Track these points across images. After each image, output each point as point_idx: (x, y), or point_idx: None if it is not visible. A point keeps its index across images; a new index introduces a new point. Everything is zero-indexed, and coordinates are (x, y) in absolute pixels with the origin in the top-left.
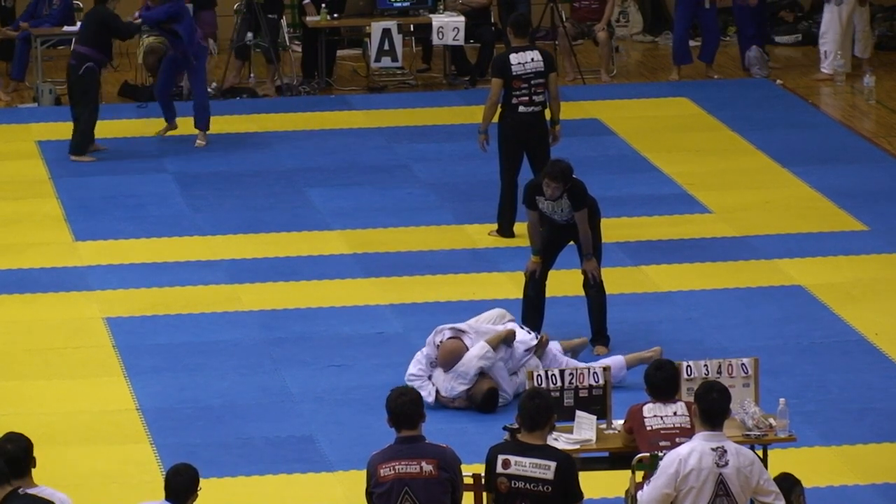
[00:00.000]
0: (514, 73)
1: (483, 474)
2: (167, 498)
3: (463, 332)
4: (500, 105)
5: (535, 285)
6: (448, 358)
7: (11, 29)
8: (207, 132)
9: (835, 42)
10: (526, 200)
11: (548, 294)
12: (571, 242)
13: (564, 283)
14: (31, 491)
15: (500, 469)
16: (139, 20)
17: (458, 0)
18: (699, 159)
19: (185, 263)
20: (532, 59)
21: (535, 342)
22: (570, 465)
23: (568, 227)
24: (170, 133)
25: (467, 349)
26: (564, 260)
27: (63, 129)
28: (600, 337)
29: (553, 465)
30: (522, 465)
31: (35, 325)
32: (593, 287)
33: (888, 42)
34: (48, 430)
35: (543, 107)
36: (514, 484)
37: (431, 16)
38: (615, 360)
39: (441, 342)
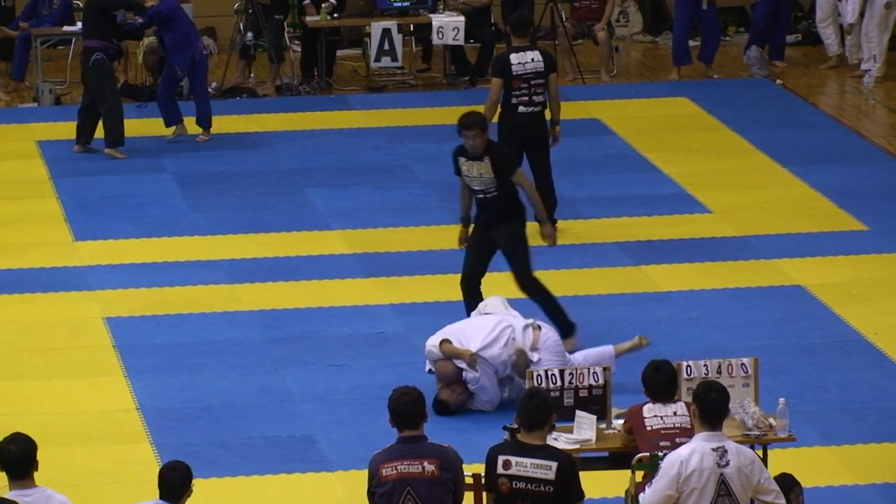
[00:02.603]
0: (514, 73)
1: (483, 474)
2: (161, 496)
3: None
4: (499, 105)
5: (472, 294)
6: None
7: (10, 28)
8: (210, 130)
9: (883, 45)
10: (453, 167)
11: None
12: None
13: (565, 283)
14: (28, 492)
15: (500, 470)
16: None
17: (458, 0)
18: (699, 159)
19: (185, 263)
20: (532, 60)
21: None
22: (571, 465)
23: (492, 220)
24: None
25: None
26: (556, 260)
27: (63, 129)
28: (567, 329)
29: (554, 465)
30: (523, 466)
31: (35, 325)
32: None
33: (888, 42)
34: (48, 430)
35: (543, 107)
36: (516, 484)
37: (431, 16)
38: (604, 351)
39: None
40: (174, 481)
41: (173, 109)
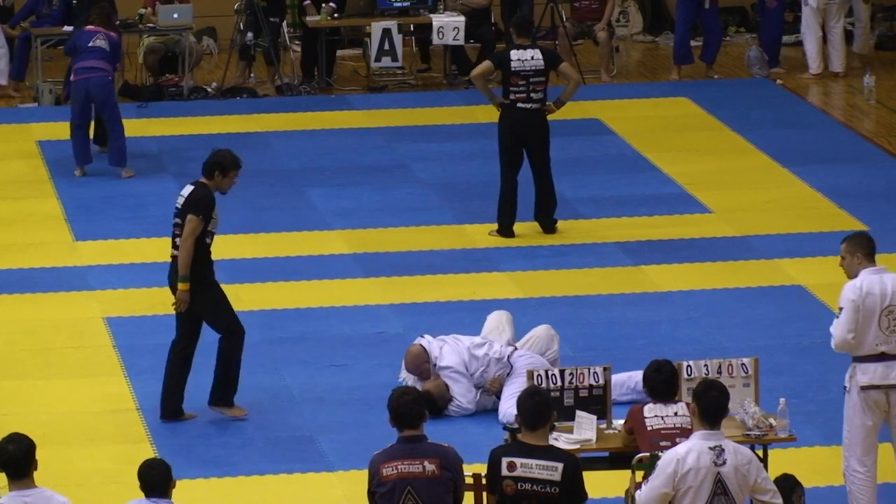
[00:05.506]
0: (513, 70)
1: (484, 474)
2: (147, 495)
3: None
4: (499, 102)
5: (182, 357)
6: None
7: (10, 26)
8: (124, 167)
9: (814, 43)
10: (207, 214)
11: (528, 295)
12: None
13: (566, 283)
14: (28, 492)
15: (505, 472)
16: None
17: (458, 0)
18: (699, 159)
19: None
20: (532, 57)
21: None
22: (576, 465)
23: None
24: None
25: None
26: (556, 260)
27: (63, 129)
28: (169, 411)
29: (560, 466)
30: (529, 467)
31: (35, 325)
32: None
33: (888, 42)
34: (48, 430)
35: (542, 104)
36: (521, 486)
37: (431, 16)
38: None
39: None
40: (154, 478)
41: (78, 148)
